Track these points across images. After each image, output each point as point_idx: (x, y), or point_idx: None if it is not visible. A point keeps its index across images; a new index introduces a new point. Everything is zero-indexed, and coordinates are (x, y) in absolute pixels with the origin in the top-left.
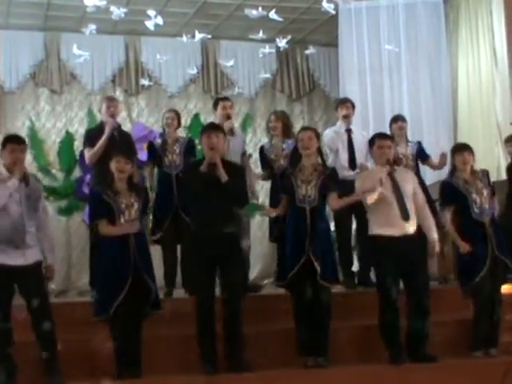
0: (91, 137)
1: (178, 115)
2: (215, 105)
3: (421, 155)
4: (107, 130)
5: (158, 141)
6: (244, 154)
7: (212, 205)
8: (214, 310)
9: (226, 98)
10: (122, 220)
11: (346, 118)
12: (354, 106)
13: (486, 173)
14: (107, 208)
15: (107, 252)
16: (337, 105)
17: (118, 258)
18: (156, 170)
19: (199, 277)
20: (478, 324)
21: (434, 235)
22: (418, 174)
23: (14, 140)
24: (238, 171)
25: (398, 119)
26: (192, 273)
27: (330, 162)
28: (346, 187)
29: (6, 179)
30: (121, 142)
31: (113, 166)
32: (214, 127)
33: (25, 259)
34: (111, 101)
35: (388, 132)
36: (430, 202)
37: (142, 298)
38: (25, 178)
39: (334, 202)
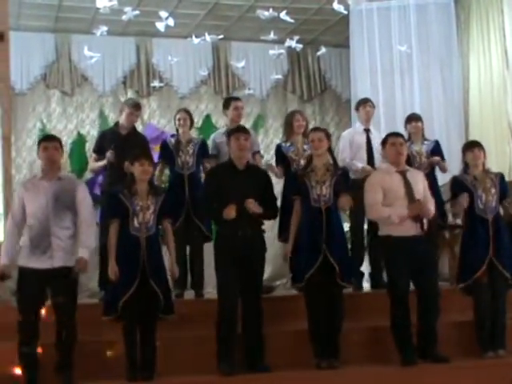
0: (101, 143)
1: (189, 114)
2: (226, 104)
3: (436, 154)
4: (105, 162)
5: (172, 141)
6: (257, 153)
7: (241, 206)
8: (237, 310)
9: (238, 98)
10: (136, 222)
11: (367, 117)
12: (374, 106)
13: (499, 175)
14: (123, 208)
15: (117, 252)
16: (357, 105)
17: (127, 259)
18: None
19: (224, 277)
20: (479, 324)
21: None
22: (432, 172)
23: (46, 138)
24: (265, 178)
25: (412, 119)
26: (217, 273)
27: (347, 161)
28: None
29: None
30: (136, 145)
31: (136, 168)
32: (241, 130)
33: (51, 263)
34: (136, 109)
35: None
36: (440, 203)
37: (151, 300)
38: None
39: (345, 203)
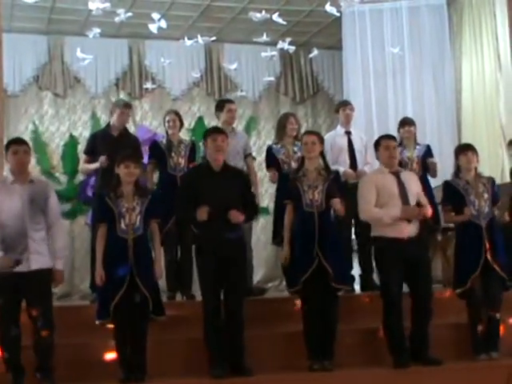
0: (92, 144)
1: (178, 116)
2: (220, 106)
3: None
4: (98, 165)
5: (163, 142)
6: (249, 155)
7: (218, 208)
8: (221, 313)
9: (231, 101)
10: (122, 224)
11: (347, 120)
12: (354, 109)
13: (491, 180)
14: (109, 211)
15: (106, 255)
16: (337, 107)
17: (116, 262)
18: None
19: (206, 280)
20: (473, 327)
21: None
22: (424, 176)
23: (15, 142)
24: (243, 178)
25: (405, 123)
26: (199, 276)
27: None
28: (348, 190)
29: (10, 184)
30: (128, 146)
31: (121, 170)
32: (218, 130)
33: (28, 265)
34: (126, 108)
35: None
36: (434, 205)
37: (141, 302)
38: (29, 181)
39: (340, 208)
